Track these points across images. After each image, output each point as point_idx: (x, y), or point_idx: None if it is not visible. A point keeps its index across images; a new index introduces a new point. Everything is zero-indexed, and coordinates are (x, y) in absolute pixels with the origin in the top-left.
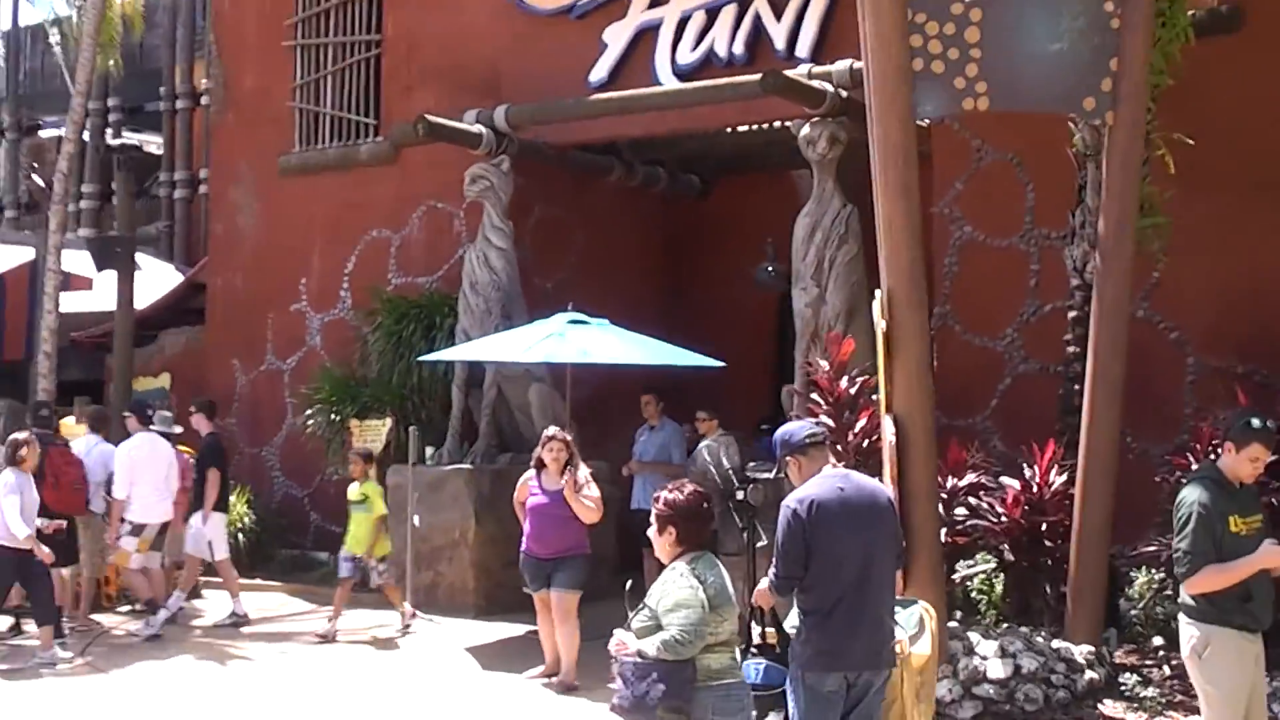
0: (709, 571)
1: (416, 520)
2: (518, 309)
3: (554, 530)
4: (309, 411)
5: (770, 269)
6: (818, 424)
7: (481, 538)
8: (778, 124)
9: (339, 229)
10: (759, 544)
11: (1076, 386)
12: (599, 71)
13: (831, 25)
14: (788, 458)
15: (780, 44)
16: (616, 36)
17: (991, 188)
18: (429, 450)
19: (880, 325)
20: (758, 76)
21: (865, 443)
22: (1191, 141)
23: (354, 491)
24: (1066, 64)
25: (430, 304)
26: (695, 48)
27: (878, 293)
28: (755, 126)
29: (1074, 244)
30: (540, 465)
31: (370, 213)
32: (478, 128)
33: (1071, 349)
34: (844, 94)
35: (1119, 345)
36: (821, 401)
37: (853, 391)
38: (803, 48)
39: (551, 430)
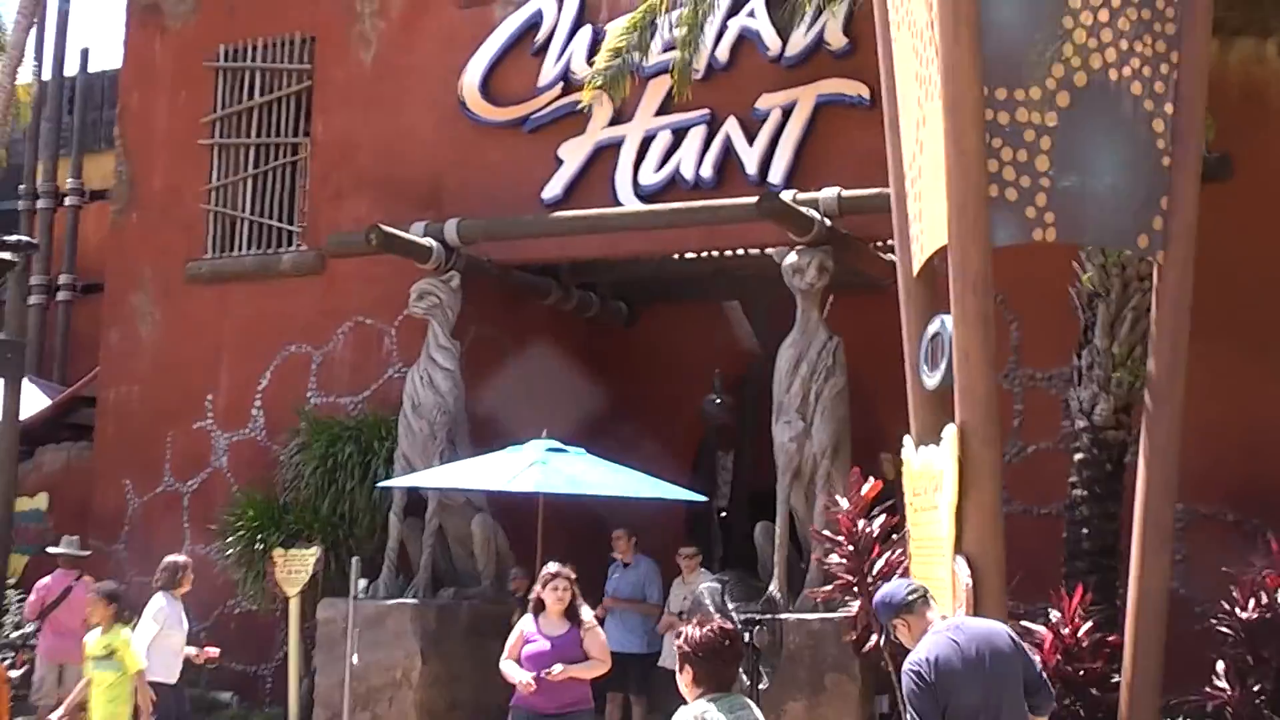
0: (729, 714)
1: (355, 659)
2: (462, 434)
3: (558, 681)
4: (229, 538)
5: (718, 400)
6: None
7: (427, 678)
8: (733, 252)
9: (253, 342)
10: (761, 686)
11: (1085, 530)
12: (553, 188)
13: (806, 152)
14: (894, 620)
15: (752, 169)
16: (573, 153)
17: None
18: (361, 583)
19: (917, 463)
20: (741, 200)
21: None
22: None
23: (96, 644)
24: (1123, 199)
25: (365, 426)
26: (660, 168)
27: (921, 435)
28: (707, 254)
29: (1081, 385)
30: (539, 607)
31: (289, 326)
32: (428, 240)
33: (1078, 492)
34: (828, 223)
35: (1170, 489)
36: (843, 542)
37: (873, 533)
38: (776, 174)
39: (554, 567)
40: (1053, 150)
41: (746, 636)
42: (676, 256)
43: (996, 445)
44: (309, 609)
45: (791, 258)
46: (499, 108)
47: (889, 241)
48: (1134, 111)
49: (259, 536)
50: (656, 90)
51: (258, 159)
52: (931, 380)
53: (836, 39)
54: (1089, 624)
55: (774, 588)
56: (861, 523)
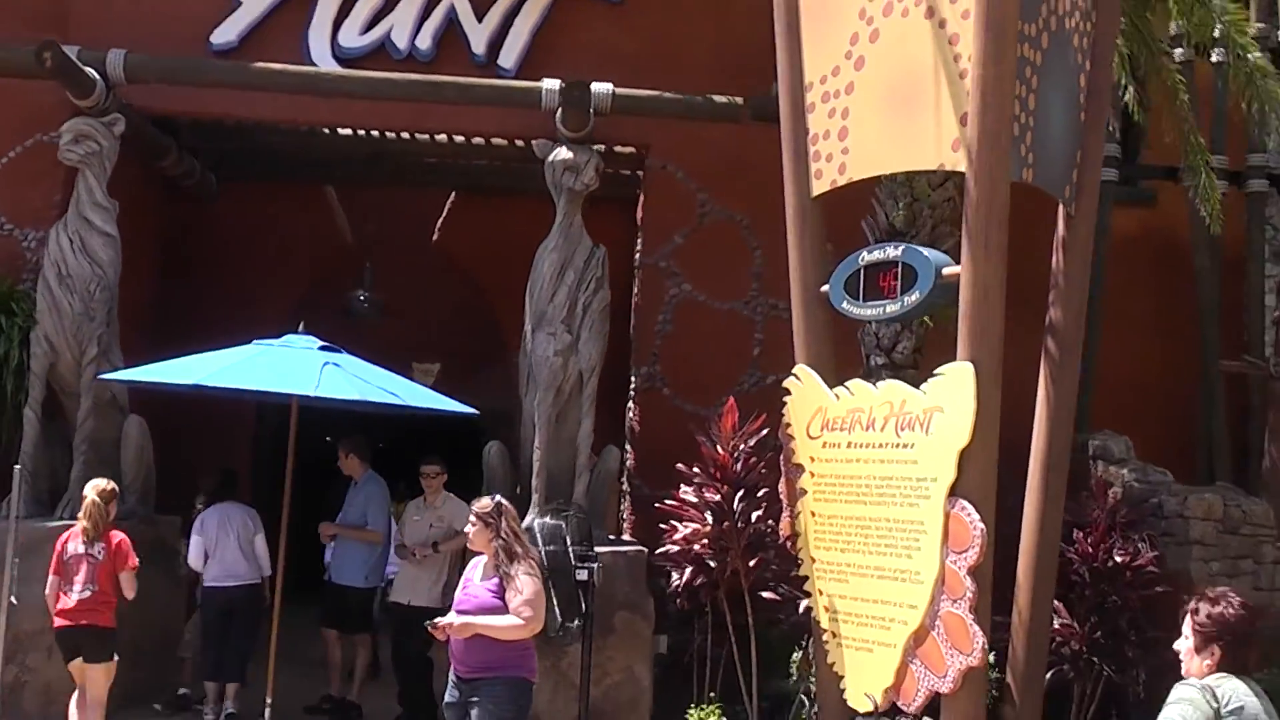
0: (1257, 697)
1: (15, 598)
2: (114, 315)
3: (465, 638)
4: None
5: (364, 297)
6: None
7: None
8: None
9: None
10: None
11: None
12: (226, 33)
13: (541, 39)
14: None
15: (479, 48)
16: None
17: (715, 246)
18: None
19: (832, 395)
20: (513, 83)
21: (765, 528)
22: None
23: None
24: (1063, 148)
25: None
26: (366, 31)
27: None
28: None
29: (876, 323)
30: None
31: None
32: (91, 72)
33: None
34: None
35: (1068, 435)
36: (714, 481)
37: (745, 469)
38: (508, 58)
39: (480, 501)
40: (1038, 89)
41: (585, 574)
42: (327, 130)
43: (1000, 385)
44: None
45: (564, 154)
46: None
47: None
48: (1074, 63)
49: None
50: None
51: None
52: (866, 311)
53: None
54: None
55: (530, 517)
56: (741, 458)
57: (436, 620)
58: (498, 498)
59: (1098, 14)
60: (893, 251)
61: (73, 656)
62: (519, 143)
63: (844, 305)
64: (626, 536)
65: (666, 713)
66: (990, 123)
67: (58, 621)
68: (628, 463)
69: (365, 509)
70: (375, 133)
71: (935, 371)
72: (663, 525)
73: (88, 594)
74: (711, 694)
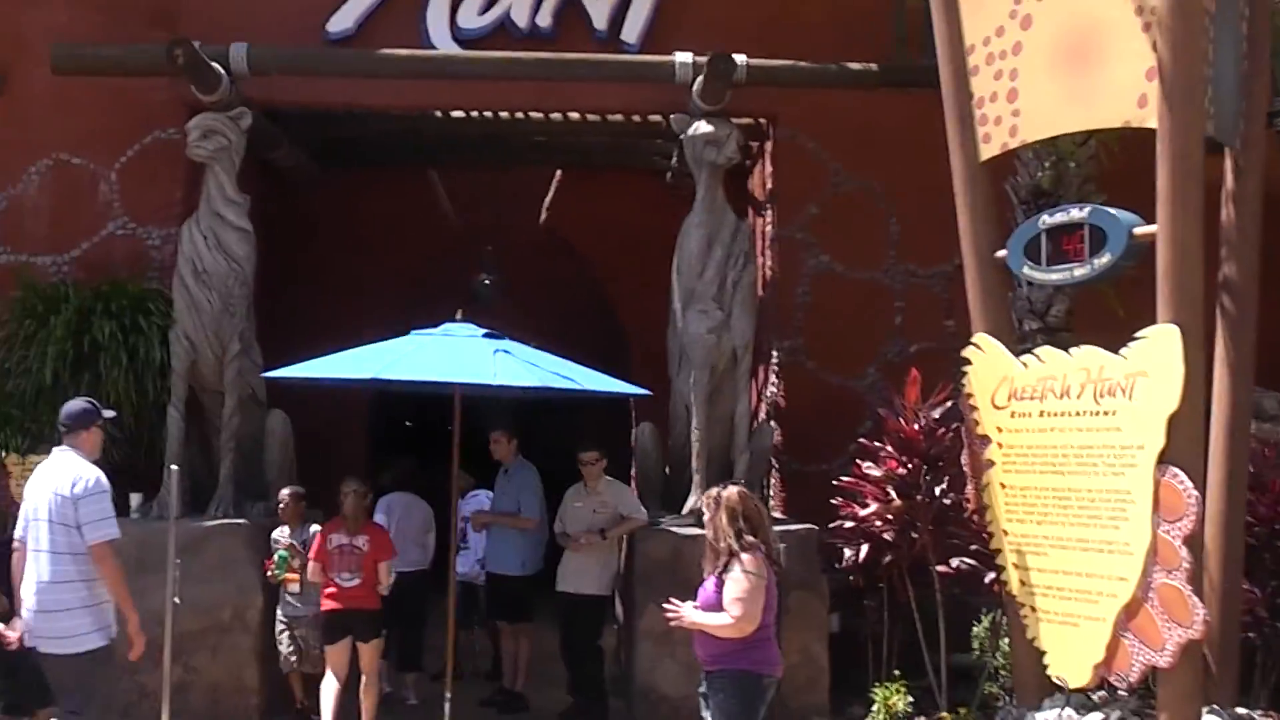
0: None
1: (179, 598)
2: (251, 310)
3: (693, 629)
4: None
5: (487, 280)
6: None
7: (268, 617)
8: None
9: None
10: None
11: None
12: (342, 20)
13: (664, 12)
14: None
15: (601, 24)
16: None
17: (849, 216)
18: (134, 499)
19: (1017, 363)
20: (654, 58)
21: (948, 500)
22: None
23: None
24: (1232, 98)
25: (127, 298)
26: (485, 11)
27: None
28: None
29: (1032, 286)
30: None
31: None
32: (217, 67)
33: None
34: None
35: (1249, 407)
36: (899, 452)
37: (931, 442)
38: (630, 33)
39: (728, 490)
40: (1215, 39)
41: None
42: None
43: (1203, 347)
44: None
45: (706, 128)
46: None
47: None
48: (1236, 12)
49: None
50: None
51: None
52: (1052, 275)
53: None
54: None
55: (694, 500)
56: (931, 431)
57: (670, 603)
58: (718, 490)
59: None
60: (1078, 213)
61: (340, 637)
62: (635, 118)
63: (1025, 270)
64: (778, 514)
65: (844, 691)
66: (1182, 77)
67: (328, 605)
68: (775, 438)
69: (518, 496)
70: (489, 114)
71: (1136, 335)
72: (834, 501)
73: (356, 582)
74: (896, 671)
